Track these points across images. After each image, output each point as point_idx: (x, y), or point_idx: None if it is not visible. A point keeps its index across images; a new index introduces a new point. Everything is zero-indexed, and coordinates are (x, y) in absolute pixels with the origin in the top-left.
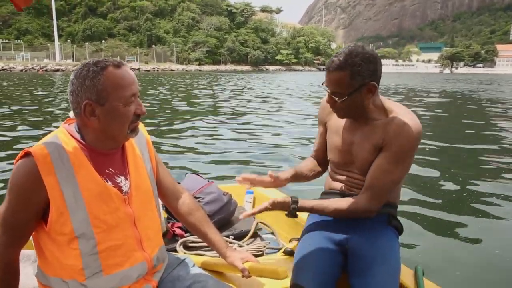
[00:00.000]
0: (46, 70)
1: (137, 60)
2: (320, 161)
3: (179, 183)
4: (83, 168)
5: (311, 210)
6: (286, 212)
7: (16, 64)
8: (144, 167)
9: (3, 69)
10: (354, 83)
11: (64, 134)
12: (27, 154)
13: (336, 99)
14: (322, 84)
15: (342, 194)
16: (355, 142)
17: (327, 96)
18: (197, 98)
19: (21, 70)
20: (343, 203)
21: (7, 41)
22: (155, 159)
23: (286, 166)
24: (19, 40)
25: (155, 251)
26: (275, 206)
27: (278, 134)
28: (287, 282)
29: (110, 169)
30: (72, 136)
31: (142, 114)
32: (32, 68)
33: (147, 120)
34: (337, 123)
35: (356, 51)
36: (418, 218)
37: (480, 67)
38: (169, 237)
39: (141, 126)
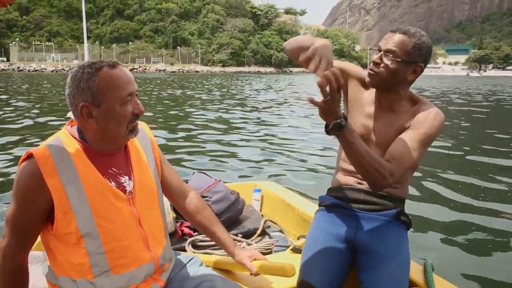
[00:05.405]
0: None
1: (162, 62)
2: None
3: (187, 182)
4: (85, 169)
5: (351, 141)
6: (327, 126)
7: (47, 65)
8: (148, 166)
9: (36, 70)
10: (411, 54)
11: (65, 136)
12: (30, 156)
13: (387, 59)
14: (373, 48)
15: (353, 189)
16: (377, 129)
17: (377, 56)
18: (209, 98)
19: (52, 71)
20: (375, 155)
21: (39, 43)
22: (160, 158)
23: (289, 163)
24: (50, 42)
25: (161, 250)
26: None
27: (286, 133)
28: (295, 279)
29: (113, 169)
30: (73, 137)
31: (140, 113)
32: (63, 69)
33: (159, 119)
34: (358, 108)
35: (421, 32)
36: (428, 213)
37: (510, 70)
38: (178, 237)
39: (144, 125)
